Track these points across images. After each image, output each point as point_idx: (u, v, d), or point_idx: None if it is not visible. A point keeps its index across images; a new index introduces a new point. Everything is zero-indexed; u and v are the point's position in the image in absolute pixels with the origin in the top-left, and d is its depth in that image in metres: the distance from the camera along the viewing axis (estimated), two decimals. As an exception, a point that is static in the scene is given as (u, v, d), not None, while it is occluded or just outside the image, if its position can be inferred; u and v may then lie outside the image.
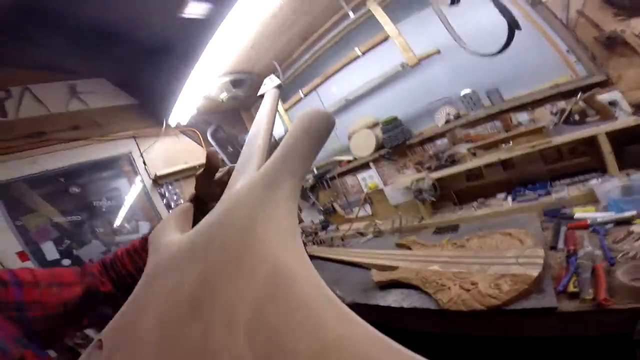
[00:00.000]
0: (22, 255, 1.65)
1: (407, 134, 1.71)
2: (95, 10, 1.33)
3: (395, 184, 1.78)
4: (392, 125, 1.73)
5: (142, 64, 1.65)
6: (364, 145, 1.89)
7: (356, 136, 1.91)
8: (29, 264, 1.64)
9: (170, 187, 2.06)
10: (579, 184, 1.24)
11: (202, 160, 2.14)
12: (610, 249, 0.86)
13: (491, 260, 0.96)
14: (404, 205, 1.84)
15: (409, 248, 1.34)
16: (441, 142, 1.66)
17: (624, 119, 1.15)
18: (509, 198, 1.41)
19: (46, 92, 1.74)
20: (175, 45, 1.50)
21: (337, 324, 0.21)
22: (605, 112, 1.18)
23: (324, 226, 2.32)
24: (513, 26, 1.14)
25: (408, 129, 1.74)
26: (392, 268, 1.18)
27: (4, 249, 1.59)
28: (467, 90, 1.56)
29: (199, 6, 1.32)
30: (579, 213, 1.08)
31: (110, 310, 0.48)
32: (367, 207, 2.05)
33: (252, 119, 2.58)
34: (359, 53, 1.76)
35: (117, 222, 1.97)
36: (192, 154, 2.22)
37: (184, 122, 2.11)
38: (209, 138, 2.29)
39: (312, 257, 1.37)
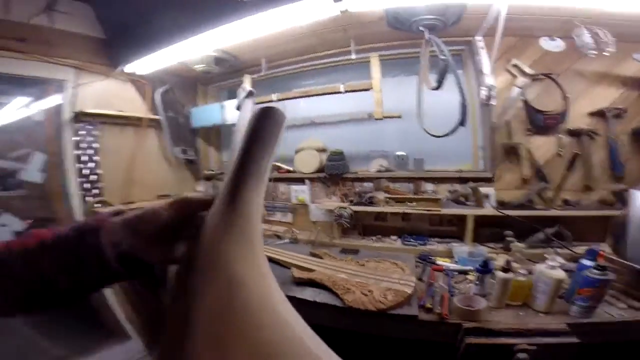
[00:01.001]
0: None
1: (345, 168, 2.06)
2: None
3: (322, 204, 2.09)
4: (337, 157, 2.05)
5: (137, 7, 1.58)
6: (308, 163, 2.15)
7: (304, 153, 2.17)
8: None
9: (89, 127, 1.88)
10: (444, 244, 1.76)
11: (138, 113, 2.05)
12: (453, 286, 1.32)
13: (382, 277, 1.33)
14: (321, 223, 2.16)
15: (321, 257, 1.63)
16: (367, 185, 2.06)
17: (487, 209, 1.68)
18: (399, 240, 1.87)
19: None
20: (184, 6, 1.48)
21: (271, 328, 0.26)
22: (480, 201, 1.72)
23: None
24: (461, 123, 1.50)
25: (347, 164, 2.08)
26: (309, 270, 1.44)
27: None
28: (401, 152, 1.99)
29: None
30: (440, 261, 1.57)
31: None
32: (289, 215, 2.29)
33: (205, 93, 2.57)
34: (342, 90, 1.96)
35: (17, 138, 1.68)
36: (130, 104, 2.08)
37: (140, 72, 2.00)
38: (157, 95, 2.18)
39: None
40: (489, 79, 1.53)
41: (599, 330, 1.03)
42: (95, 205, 1.88)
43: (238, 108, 1.96)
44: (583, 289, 1.02)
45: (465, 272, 1.44)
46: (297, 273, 1.42)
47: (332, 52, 1.97)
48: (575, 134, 1.69)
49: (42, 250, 0.37)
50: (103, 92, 1.92)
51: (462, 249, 1.61)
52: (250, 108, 0.54)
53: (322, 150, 2.16)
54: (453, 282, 1.36)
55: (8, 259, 0.36)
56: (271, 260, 1.65)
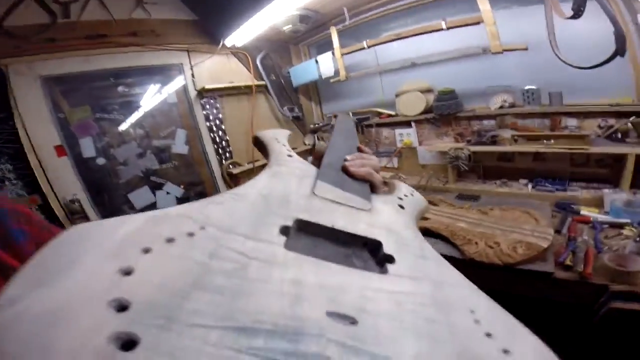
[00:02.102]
0: (59, 150, 1.63)
1: (459, 107, 1.86)
2: None
3: (432, 147, 1.98)
4: (447, 95, 1.86)
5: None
6: (413, 105, 2.02)
7: (407, 95, 2.04)
8: (66, 161, 1.66)
9: (212, 100, 2.17)
10: (592, 190, 1.48)
11: (246, 82, 2.28)
12: (601, 242, 1.13)
13: (511, 228, 1.21)
14: (432, 167, 2.08)
15: (436, 204, 1.57)
16: (488, 123, 1.82)
17: None
18: (530, 185, 1.65)
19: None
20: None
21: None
22: None
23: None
24: (618, 53, 1.23)
25: (461, 102, 1.87)
26: (424, 218, 1.43)
27: (42, 143, 1.57)
28: (531, 86, 1.67)
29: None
30: (584, 211, 1.35)
31: None
32: (395, 161, 2.26)
33: (298, 52, 2.66)
34: (444, 27, 1.71)
35: (162, 120, 2.02)
36: (238, 75, 2.30)
37: (239, 45, 2.16)
38: (258, 63, 2.35)
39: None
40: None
41: None
42: (230, 166, 2.23)
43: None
44: None
45: (620, 226, 1.21)
46: (411, 221, 1.44)
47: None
48: None
49: None
50: (214, 68, 2.15)
51: (617, 196, 1.33)
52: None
53: (427, 91, 1.99)
54: (602, 237, 1.16)
55: None
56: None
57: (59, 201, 1.62)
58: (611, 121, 1.49)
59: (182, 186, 2.09)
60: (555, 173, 1.62)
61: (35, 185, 1.56)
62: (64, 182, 1.65)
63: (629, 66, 1.46)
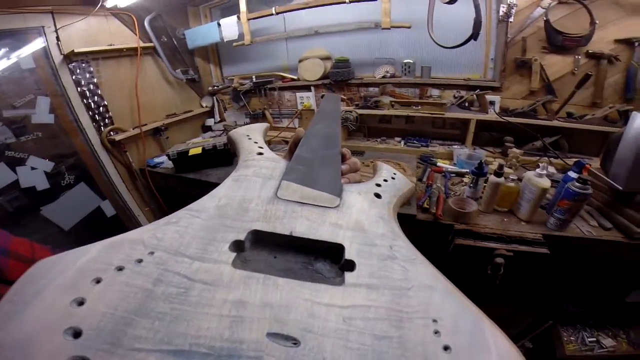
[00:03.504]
0: None
1: (351, 74, 2.05)
2: None
3: (327, 108, 2.12)
4: (342, 64, 2.03)
5: None
6: (312, 71, 2.12)
7: (308, 62, 2.11)
8: None
9: (84, 64, 1.86)
10: (446, 146, 1.87)
11: (130, 44, 2.03)
12: (449, 188, 1.45)
13: None
14: (327, 126, 2.23)
15: None
16: (373, 90, 2.06)
17: (491, 115, 1.74)
18: (402, 142, 1.97)
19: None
20: None
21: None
22: (485, 107, 1.76)
23: (248, 129, 2.49)
24: (473, 37, 1.48)
25: (353, 71, 2.05)
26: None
27: None
28: (408, 60, 1.94)
29: None
30: (440, 163, 1.69)
31: None
32: (296, 122, 2.34)
33: (197, 14, 2.41)
34: (347, 1, 1.81)
35: (15, 88, 1.63)
36: (120, 37, 2.01)
37: (122, 5, 1.87)
38: (146, 24, 2.07)
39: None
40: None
41: (567, 244, 1.09)
42: (110, 132, 2.00)
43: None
44: (562, 201, 1.04)
45: (462, 175, 1.56)
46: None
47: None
48: (595, 56, 1.63)
49: None
50: (88, 31, 1.87)
51: (462, 151, 1.70)
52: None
53: (326, 59, 2.11)
54: (450, 184, 1.47)
55: None
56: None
57: None
58: (463, 92, 1.86)
59: (48, 159, 1.80)
60: (421, 133, 1.99)
61: None
62: None
63: (481, 48, 1.81)
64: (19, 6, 1.58)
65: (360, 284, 0.27)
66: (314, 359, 0.20)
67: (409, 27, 1.80)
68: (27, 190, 1.70)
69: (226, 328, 0.21)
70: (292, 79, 2.26)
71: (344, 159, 0.48)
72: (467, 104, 1.81)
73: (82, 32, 1.83)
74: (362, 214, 0.36)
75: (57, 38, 1.72)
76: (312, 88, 2.19)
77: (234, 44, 2.20)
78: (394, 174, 0.49)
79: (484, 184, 1.26)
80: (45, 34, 1.70)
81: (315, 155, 0.44)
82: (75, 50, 1.76)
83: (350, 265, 0.29)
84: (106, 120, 2.01)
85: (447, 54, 1.80)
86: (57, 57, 1.75)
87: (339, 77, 2.04)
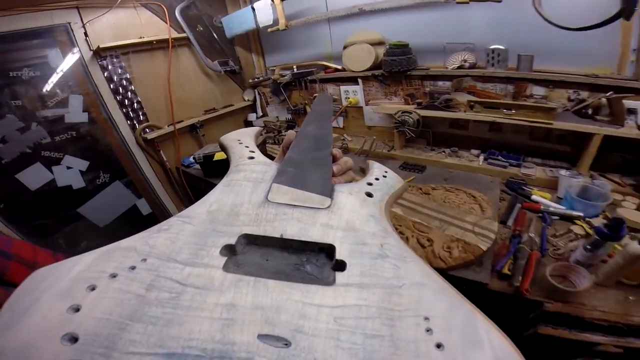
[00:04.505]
0: None
1: (411, 64, 1.52)
2: None
3: (380, 107, 1.68)
4: (399, 50, 1.50)
5: None
6: (360, 59, 1.67)
7: (354, 48, 1.67)
8: None
9: (114, 60, 1.76)
10: (548, 168, 1.30)
11: (162, 35, 1.87)
12: (548, 240, 0.97)
13: (451, 220, 1.02)
14: (378, 129, 1.80)
15: None
16: (443, 84, 1.52)
17: (628, 129, 1.13)
18: (482, 156, 1.44)
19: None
20: None
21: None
22: (620, 117, 1.14)
23: (290, 126, 2.20)
24: (622, 14, 0.94)
25: (414, 59, 1.54)
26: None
27: None
28: (498, 46, 1.35)
29: None
30: (537, 196, 1.17)
31: None
32: (340, 120, 1.96)
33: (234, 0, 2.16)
34: None
35: (47, 88, 1.62)
36: (152, 29, 1.86)
37: None
38: (177, 14, 1.90)
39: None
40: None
41: None
42: (144, 130, 1.93)
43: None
44: None
45: (571, 219, 1.05)
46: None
47: None
48: None
49: None
50: (117, 24, 1.76)
51: (573, 180, 1.15)
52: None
53: (378, 44, 1.64)
54: (550, 234, 0.99)
55: None
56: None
57: None
58: (584, 94, 1.24)
59: (83, 159, 1.81)
60: (511, 146, 1.42)
61: None
62: None
63: (616, 34, 1.18)
64: (44, 3, 1.52)
65: (351, 284, 0.27)
66: (305, 359, 0.21)
67: (500, 1, 1.25)
68: (63, 189, 1.73)
69: (218, 330, 0.22)
70: (336, 69, 1.86)
71: (335, 159, 0.47)
72: (590, 111, 1.20)
73: (111, 25, 1.74)
74: (353, 213, 0.36)
75: (85, 34, 1.66)
76: (360, 80, 1.75)
77: (269, 29, 1.88)
78: (385, 171, 0.47)
79: (614, 250, 0.82)
80: (72, 30, 1.64)
81: (305, 157, 0.44)
82: (101, 46, 1.68)
83: (341, 265, 0.29)
84: (141, 117, 1.95)
85: (556, 41, 1.22)
86: (87, 54, 1.70)
87: (394, 67, 1.53)
